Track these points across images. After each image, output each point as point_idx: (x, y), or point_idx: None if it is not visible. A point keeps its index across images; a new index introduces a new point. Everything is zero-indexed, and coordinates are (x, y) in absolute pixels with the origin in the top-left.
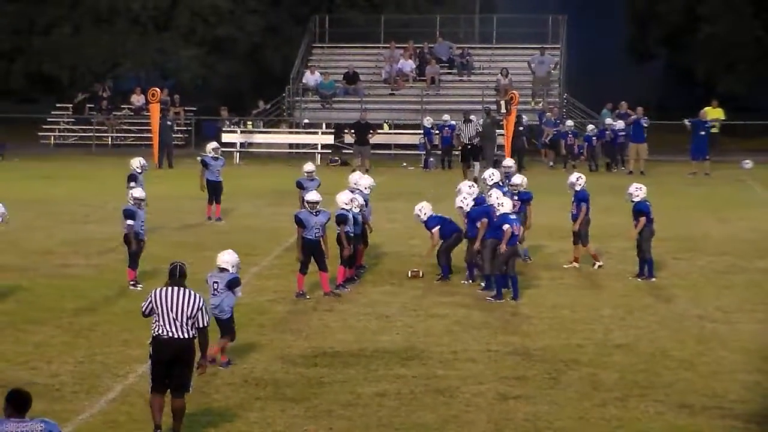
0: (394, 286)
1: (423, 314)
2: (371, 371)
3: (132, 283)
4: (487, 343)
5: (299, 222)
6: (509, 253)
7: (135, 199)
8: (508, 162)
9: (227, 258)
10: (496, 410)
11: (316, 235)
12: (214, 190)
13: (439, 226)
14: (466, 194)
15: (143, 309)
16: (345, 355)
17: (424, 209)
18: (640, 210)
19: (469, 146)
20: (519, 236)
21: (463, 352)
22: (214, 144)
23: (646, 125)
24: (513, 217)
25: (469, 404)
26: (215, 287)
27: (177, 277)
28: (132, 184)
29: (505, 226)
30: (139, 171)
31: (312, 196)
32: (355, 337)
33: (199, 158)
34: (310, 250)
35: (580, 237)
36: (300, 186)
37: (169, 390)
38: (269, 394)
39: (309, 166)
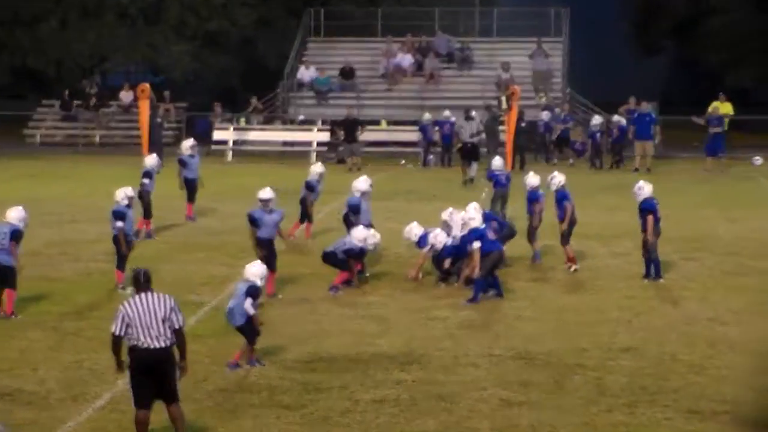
0: (393, 289)
1: (423, 317)
2: (369, 376)
3: (121, 286)
4: (490, 347)
5: (253, 221)
6: (496, 259)
7: (128, 197)
8: (498, 162)
9: (254, 270)
10: (499, 417)
11: (270, 234)
12: (193, 189)
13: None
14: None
15: (115, 329)
16: (342, 360)
17: (414, 230)
18: (647, 208)
19: (469, 145)
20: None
21: (464, 357)
22: (190, 141)
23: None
24: (482, 227)
25: (471, 411)
26: (237, 293)
27: (142, 282)
28: (146, 180)
29: (475, 245)
30: (156, 170)
31: (265, 193)
32: (353, 341)
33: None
34: (265, 250)
35: (563, 237)
36: (253, 220)
37: (163, 401)
38: (264, 400)
39: (266, 193)
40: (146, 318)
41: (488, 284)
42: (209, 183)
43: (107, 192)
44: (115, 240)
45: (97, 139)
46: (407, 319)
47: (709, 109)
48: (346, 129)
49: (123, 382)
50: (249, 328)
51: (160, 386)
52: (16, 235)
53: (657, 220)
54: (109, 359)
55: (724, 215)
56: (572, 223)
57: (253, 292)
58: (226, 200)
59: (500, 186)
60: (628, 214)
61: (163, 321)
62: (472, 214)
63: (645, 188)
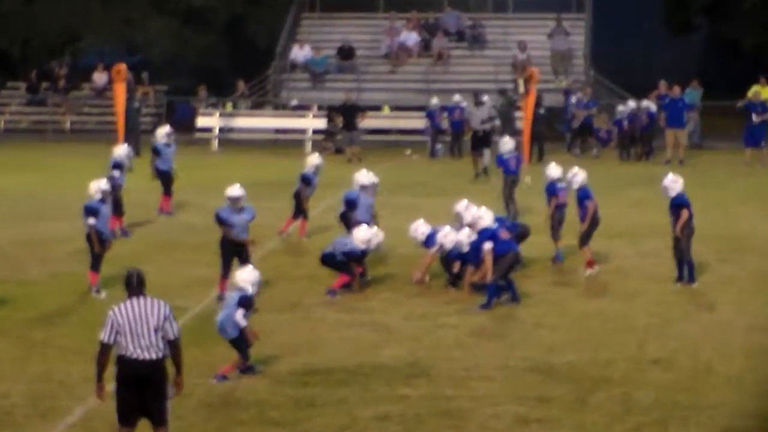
0: (397, 293)
1: (430, 325)
2: (370, 391)
3: (95, 289)
4: (504, 358)
5: (221, 221)
6: (511, 260)
7: (102, 191)
8: (507, 145)
9: (245, 276)
10: None
11: (239, 234)
12: (168, 180)
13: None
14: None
15: (104, 337)
16: (340, 372)
17: (421, 228)
18: (680, 204)
19: (480, 133)
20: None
21: (476, 369)
22: (167, 128)
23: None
24: (494, 227)
25: (483, 428)
26: (226, 303)
27: (135, 286)
28: (116, 173)
29: (486, 246)
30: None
31: (234, 191)
32: (352, 351)
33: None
34: (234, 251)
35: (581, 238)
36: (222, 221)
37: (150, 421)
38: (253, 416)
39: (235, 190)
40: (137, 326)
41: (502, 288)
42: (192, 174)
43: (79, 185)
44: (88, 238)
45: (68, 125)
46: (412, 326)
47: (749, 94)
48: (345, 115)
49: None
50: (242, 341)
51: (148, 403)
52: None
53: (690, 217)
54: (82, 371)
55: (765, 213)
56: (594, 224)
57: (245, 302)
58: (210, 194)
59: (510, 173)
60: (658, 210)
61: (155, 330)
62: (480, 213)
63: (678, 182)
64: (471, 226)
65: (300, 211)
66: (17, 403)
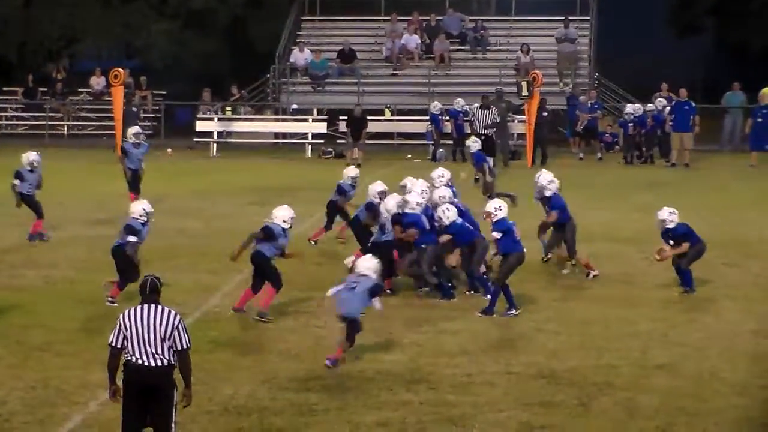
0: (398, 297)
1: (432, 330)
2: (372, 397)
3: (110, 299)
4: (507, 364)
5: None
6: (517, 262)
7: (147, 213)
8: (475, 145)
9: (368, 265)
10: None
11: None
12: (135, 178)
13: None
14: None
15: (112, 340)
16: (341, 378)
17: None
18: (684, 234)
19: (483, 137)
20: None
21: (479, 375)
22: (136, 129)
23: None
24: (511, 222)
25: None
26: (352, 286)
27: (147, 292)
28: (17, 182)
29: (495, 234)
30: (29, 169)
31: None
32: (353, 356)
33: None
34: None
35: (568, 250)
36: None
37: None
38: (254, 423)
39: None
40: (144, 333)
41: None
42: (191, 180)
43: (76, 190)
44: (117, 253)
45: (65, 130)
46: (414, 332)
47: (759, 97)
48: (352, 126)
49: (95, 404)
50: (357, 325)
51: (153, 413)
52: None
53: (698, 241)
54: (80, 377)
55: None
56: (569, 230)
57: (377, 290)
58: (210, 199)
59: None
60: None
61: (162, 340)
62: (497, 204)
63: (675, 215)
64: (487, 216)
65: (331, 221)
66: (15, 410)
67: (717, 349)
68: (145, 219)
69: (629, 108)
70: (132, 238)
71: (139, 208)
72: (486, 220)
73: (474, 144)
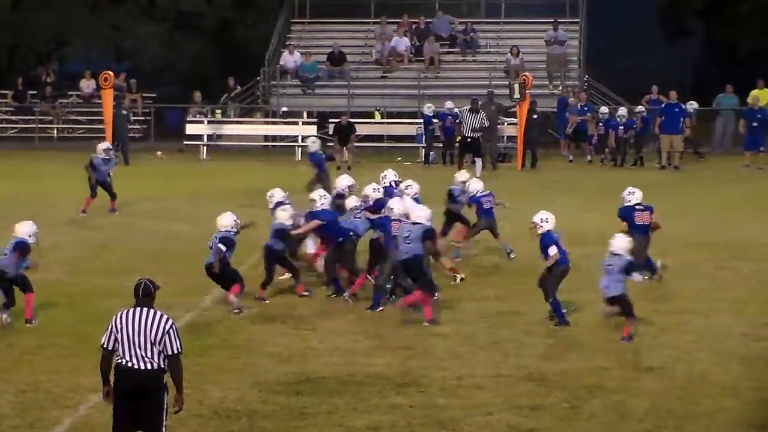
0: (389, 301)
1: (422, 333)
2: (362, 400)
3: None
4: (497, 366)
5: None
6: (560, 273)
7: (237, 225)
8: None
9: (620, 243)
10: None
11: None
12: (105, 187)
13: None
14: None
15: (104, 342)
16: (331, 382)
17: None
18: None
19: (469, 139)
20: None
21: (468, 378)
22: (105, 145)
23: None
24: (558, 233)
25: None
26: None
27: (140, 296)
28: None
29: (551, 250)
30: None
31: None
32: (344, 360)
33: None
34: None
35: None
36: (225, 244)
37: None
38: (243, 427)
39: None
40: (134, 336)
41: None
42: (181, 183)
43: (66, 193)
44: (211, 267)
45: (55, 133)
46: (404, 335)
47: (749, 99)
48: (339, 135)
49: (85, 407)
50: (625, 300)
51: (142, 417)
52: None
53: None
54: (70, 381)
55: (764, 218)
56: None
57: (630, 267)
58: (200, 203)
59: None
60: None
61: (153, 344)
62: (544, 215)
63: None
64: (532, 228)
65: (449, 227)
66: (5, 414)
67: (707, 352)
68: (237, 230)
69: (621, 110)
70: (223, 247)
71: (230, 220)
72: (531, 231)
73: (313, 144)
